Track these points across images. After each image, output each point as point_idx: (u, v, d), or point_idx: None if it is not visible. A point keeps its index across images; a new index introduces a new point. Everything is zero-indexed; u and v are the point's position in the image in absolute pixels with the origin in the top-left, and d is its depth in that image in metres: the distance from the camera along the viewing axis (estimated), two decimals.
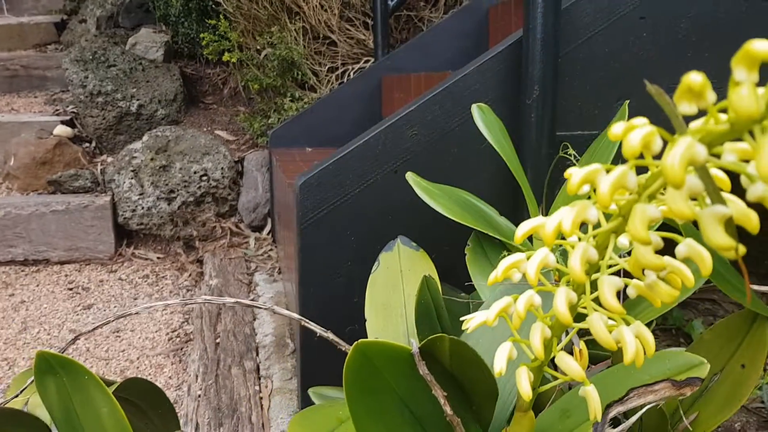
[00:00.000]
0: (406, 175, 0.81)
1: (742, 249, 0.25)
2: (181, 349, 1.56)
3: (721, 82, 0.91)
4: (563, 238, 0.36)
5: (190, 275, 1.91)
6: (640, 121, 0.27)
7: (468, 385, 0.54)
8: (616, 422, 0.55)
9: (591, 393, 0.45)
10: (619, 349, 0.39)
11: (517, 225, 0.85)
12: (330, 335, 0.67)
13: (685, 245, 0.32)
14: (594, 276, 0.35)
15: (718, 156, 0.24)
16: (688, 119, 0.25)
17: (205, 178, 1.97)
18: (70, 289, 1.84)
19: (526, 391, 0.42)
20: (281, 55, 1.81)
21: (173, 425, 0.70)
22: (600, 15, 0.90)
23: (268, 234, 1.98)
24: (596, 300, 0.36)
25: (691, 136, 0.23)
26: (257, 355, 1.20)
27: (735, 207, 0.27)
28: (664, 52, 0.91)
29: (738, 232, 0.26)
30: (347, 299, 0.91)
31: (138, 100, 2.13)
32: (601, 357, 0.74)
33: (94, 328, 0.57)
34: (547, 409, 0.57)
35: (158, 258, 1.99)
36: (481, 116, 0.81)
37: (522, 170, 0.82)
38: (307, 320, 0.64)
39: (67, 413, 0.50)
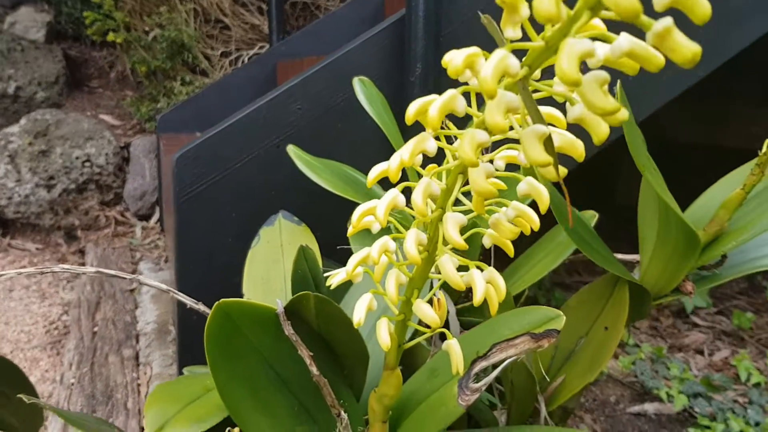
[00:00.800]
0: (287, 148, 0.80)
1: (563, 170, 0.26)
2: (59, 341, 1.47)
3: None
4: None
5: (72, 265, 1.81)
6: (467, 51, 0.27)
7: (338, 347, 0.54)
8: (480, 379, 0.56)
9: (453, 346, 0.45)
10: (488, 311, 0.40)
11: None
12: (201, 306, 0.64)
13: (526, 183, 0.33)
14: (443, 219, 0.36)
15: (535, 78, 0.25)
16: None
17: (88, 164, 1.87)
18: None
19: (385, 341, 0.42)
20: (170, 36, 1.75)
21: (37, 411, 0.66)
22: None
23: (156, 223, 1.90)
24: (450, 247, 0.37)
25: (506, 49, 0.23)
26: (137, 342, 1.15)
27: (562, 137, 0.28)
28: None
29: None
30: (227, 278, 0.89)
31: (16, 81, 2.00)
32: (476, 323, 0.76)
33: None
34: (418, 371, 0.57)
35: (37, 249, 1.88)
36: (363, 90, 0.81)
37: (403, 142, 0.82)
38: (175, 291, 0.62)
39: None
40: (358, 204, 0.84)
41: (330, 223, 0.86)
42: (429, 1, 0.85)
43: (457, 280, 0.35)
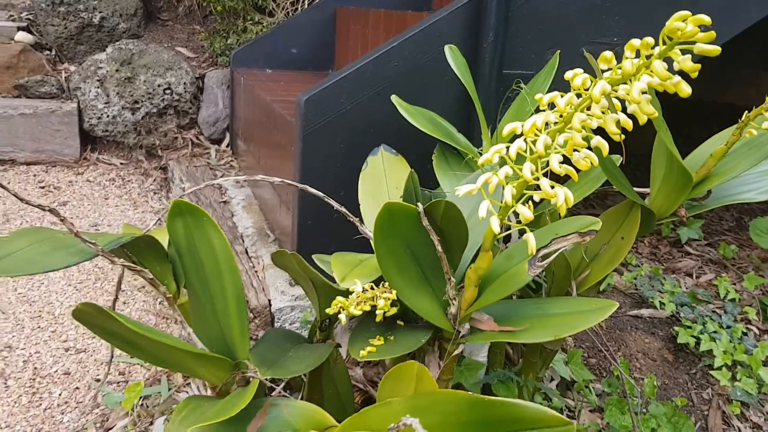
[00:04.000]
0: (391, 97, 1.07)
1: (621, 136, 0.54)
2: None
3: (623, 38, 1.21)
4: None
5: (155, 180, 2.10)
6: (579, 71, 0.54)
7: (450, 238, 0.82)
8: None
9: (530, 237, 0.73)
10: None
11: (471, 139, 1.13)
12: (336, 204, 0.93)
13: (596, 139, 0.61)
14: (544, 159, 0.63)
15: (616, 90, 0.52)
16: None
17: (168, 91, 2.13)
18: (42, 188, 1.99)
19: (496, 228, 0.70)
20: None
21: None
22: None
23: (227, 146, 2.18)
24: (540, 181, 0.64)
25: (603, 80, 0.50)
26: (243, 242, 1.45)
27: (622, 117, 0.55)
28: (582, 14, 1.19)
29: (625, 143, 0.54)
30: (336, 192, 1.16)
31: (100, 12, 2.23)
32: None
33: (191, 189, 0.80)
34: (497, 256, 0.86)
35: (121, 164, 2.16)
36: (452, 55, 1.07)
37: (477, 97, 1.09)
38: (312, 189, 0.90)
39: (189, 243, 0.75)
40: (440, 141, 1.12)
41: (412, 157, 1.13)
42: None
43: (550, 193, 0.63)
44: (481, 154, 1.13)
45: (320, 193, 0.91)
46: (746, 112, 0.89)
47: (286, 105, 1.43)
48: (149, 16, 2.42)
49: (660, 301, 1.46)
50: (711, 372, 1.29)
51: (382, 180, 1.08)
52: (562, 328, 0.77)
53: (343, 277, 0.79)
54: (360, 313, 0.76)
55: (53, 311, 1.38)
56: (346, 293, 0.78)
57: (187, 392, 1.15)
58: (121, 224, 1.84)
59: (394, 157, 1.09)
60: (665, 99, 0.95)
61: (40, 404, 1.13)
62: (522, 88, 1.03)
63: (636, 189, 1.02)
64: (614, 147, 0.95)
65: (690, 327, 1.37)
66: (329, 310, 0.77)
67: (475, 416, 0.60)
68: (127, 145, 2.16)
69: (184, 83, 2.14)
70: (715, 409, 1.24)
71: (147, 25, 2.38)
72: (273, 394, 0.88)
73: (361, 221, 0.96)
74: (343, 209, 0.93)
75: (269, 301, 1.18)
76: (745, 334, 1.38)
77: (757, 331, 1.43)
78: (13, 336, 1.30)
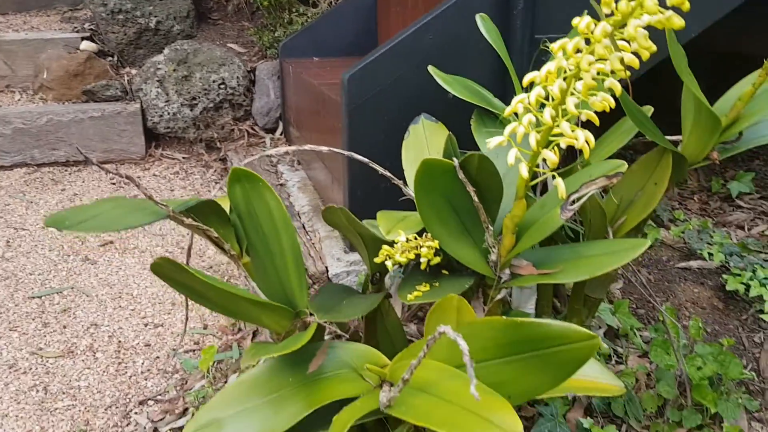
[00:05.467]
0: (428, 67, 1.13)
1: (628, 73, 0.59)
2: None
3: None
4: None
5: (215, 171, 2.22)
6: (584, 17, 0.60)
7: (486, 190, 0.88)
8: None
9: (559, 182, 0.78)
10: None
11: (506, 103, 1.18)
12: (380, 169, 1.00)
13: (609, 81, 0.66)
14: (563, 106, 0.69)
15: (621, 33, 0.58)
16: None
17: (222, 86, 2.24)
18: (113, 184, 2.13)
19: (525, 174, 0.76)
20: None
21: None
22: None
23: (280, 135, 2.28)
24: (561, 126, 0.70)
25: (605, 21, 0.56)
26: (300, 218, 1.54)
27: (629, 58, 0.61)
28: None
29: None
30: (382, 163, 1.24)
31: (156, 17, 2.37)
32: None
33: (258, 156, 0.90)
34: (531, 206, 0.91)
35: (184, 158, 2.29)
36: (483, 24, 1.13)
37: (511, 63, 1.14)
38: (356, 155, 0.97)
39: (248, 206, 0.83)
40: (479, 107, 1.17)
41: (449, 124, 1.18)
42: None
43: (571, 135, 0.69)
44: (517, 117, 1.19)
45: (365, 159, 0.99)
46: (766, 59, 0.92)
47: (333, 87, 1.51)
48: (201, 17, 2.54)
49: (709, 252, 1.48)
50: (762, 316, 1.31)
51: (424, 146, 1.15)
52: (596, 267, 0.82)
53: (389, 230, 0.87)
54: (405, 260, 0.83)
55: (131, 292, 1.51)
56: (392, 245, 0.86)
57: None
58: None
59: (435, 124, 1.16)
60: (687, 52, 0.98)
61: (126, 372, 1.25)
62: (546, 46, 1.08)
63: (670, 137, 1.06)
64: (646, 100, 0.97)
65: (739, 275, 1.39)
66: (377, 259, 0.84)
67: (510, 338, 0.67)
68: (188, 139, 2.29)
69: (237, 77, 2.25)
70: (767, 352, 1.26)
71: (199, 25, 2.51)
72: (331, 339, 0.96)
73: (405, 184, 1.04)
74: (387, 172, 1.01)
75: (326, 267, 1.27)
76: None
77: None
78: (98, 315, 1.43)
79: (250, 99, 2.31)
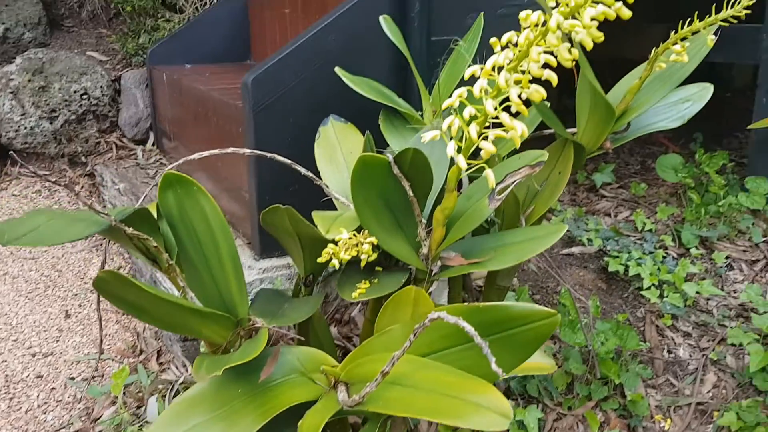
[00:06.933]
0: (335, 69, 1.14)
1: (573, 62, 0.63)
2: (102, 243, 1.76)
3: None
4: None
5: (82, 187, 2.07)
6: (530, 11, 0.63)
7: (417, 184, 0.90)
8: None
9: (489, 173, 0.82)
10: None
11: (410, 102, 1.22)
12: (303, 170, 0.99)
13: (547, 72, 0.70)
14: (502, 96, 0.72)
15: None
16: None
17: (85, 96, 2.10)
18: None
19: (463, 165, 0.79)
20: None
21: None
22: None
23: (152, 146, 2.17)
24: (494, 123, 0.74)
25: (557, 13, 0.59)
26: None
27: (573, 51, 0.65)
28: None
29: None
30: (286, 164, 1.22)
31: (3, 24, 2.17)
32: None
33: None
34: (459, 197, 0.94)
35: (45, 175, 2.11)
36: (387, 25, 1.15)
37: (414, 63, 1.17)
38: (278, 156, 0.96)
39: (182, 213, 0.79)
40: (386, 106, 1.19)
41: (356, 123, 1.19)
42: None
43: (510, 125, 0.72)
44: (421, 116, 1.22)
45: (287, 160, 0.97)
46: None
47: (224, 91, 1.46)
48: (53, 24, 2.36)
49: (588, 238, 1.61)
50: (641, 293, 1.44)
51: (336, 147, 1.15)
52: (522, 253, 0.87)
53: (327, 229, 0.86)
54: (349, 257, 0.83)
55: (10, 321, 1.37)
56: (332, 243, 0.85)
57: (169, 373, 1.19)
58: None
59: (344, 124, 1.16)
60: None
61: (20, 408, 1.14)
62: (458, 46, 1.12)
63: (569, 130, 1.14)
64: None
65: (617, 256, 1.51)
66: (321, 259, 0.83)
67: (474, 321, 0.68)
68: (49, 155, 2.11)
69: (101, 87, 2.11)
70: (650, 324, 1.39)
71: (52, 32, 2.33)
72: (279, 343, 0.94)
73: (327, 186, 1.03)
74: (310, 174, 1.00)
75: None
76: (665, 257, 1.54)
77: (675, 255, 1.59)
78: None
79: (116, 109, 2.18)
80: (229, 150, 0.91)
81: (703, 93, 1.10)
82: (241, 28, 2.16)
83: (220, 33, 2.14)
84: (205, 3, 2.27)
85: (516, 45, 0.69)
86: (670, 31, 1.01)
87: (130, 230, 0.69)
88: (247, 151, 0.93)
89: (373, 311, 1.00)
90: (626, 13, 0.58)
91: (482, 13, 1.15)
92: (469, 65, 1.08)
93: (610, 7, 0.58)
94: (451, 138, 0.78)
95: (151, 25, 2.16)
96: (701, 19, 0.97)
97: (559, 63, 0.64)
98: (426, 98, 1.18)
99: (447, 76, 1.15)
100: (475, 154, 0.79)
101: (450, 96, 0.73)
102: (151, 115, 2.17)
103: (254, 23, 2.11)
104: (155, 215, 0.80)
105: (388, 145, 1.15)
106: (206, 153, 0.88)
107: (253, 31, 2.12)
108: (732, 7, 0.94)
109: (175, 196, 0.79)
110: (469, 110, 0.75)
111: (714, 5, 0.97)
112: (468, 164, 0.80)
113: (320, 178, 1.08)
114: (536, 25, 0.63)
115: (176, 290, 0.86)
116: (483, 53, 1.14)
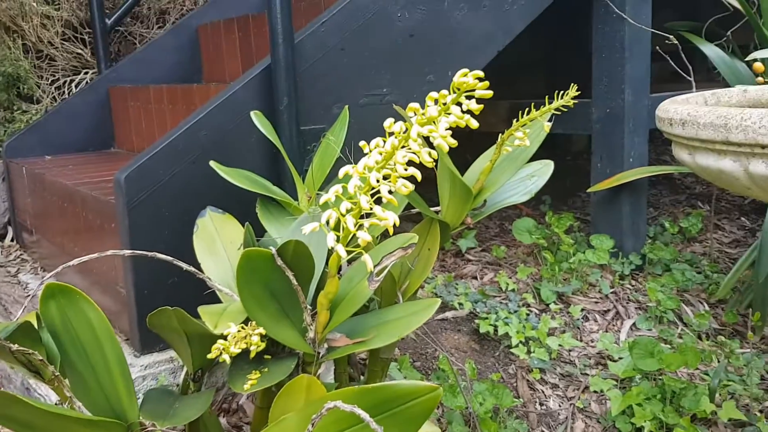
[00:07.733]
0: (210, 163, 1.17)
1: (433, 163, 0.72)
2: None
3: (390, 89, 1.43)
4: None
5: None
6: (392, 120, 0.72)
7: (300, 273, 0.95)
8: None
9: (367, 258, 0.88)
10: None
11: (284, 190, 1.27)
12: (185, 265, 1.01)
13: (411, 170, 0.78)
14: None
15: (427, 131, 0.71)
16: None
17: None
18: None
19: (343, 253, 0.85)
20: (8, 72, 1.92)
21: None
22: (317, 48, 1.36)
23: (11, 241, 2.06)
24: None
25: (416, 124, 0.68)
26: None
27: (431, 155, 0.74)
28: (358, 72, 1.41)
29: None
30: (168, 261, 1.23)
31: None
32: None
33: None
34: (340, 280, 1.00)
35: None
36: (258, 120, 1.21)
37: (285, 152, 1.24)
38: (162, 255, 0.98)
39: (65, 322, 0.78)
40: (262, 195, 1.24)
41: (235, 213, 1.23)
42: (287, 52, 1.27)
43: (383, 216, 0.79)
44: (297, 201, 1.28)
45: (168, 258, 0.99)
46: (500, 134, 1.15)
47: (92, 186, 1.45)
48: None
49: (459, 303, 1.71)
50: (511, 350, 1.56)
51: (216, 238, 1.17)
52: (403, 329, 0.93)
53: (215, 324, 0.88)
54: (239, 350, 0.85)
55: None
56: (220, 339, 0.87)
57: None
58: None
59: (222, 215, 1.19)
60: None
61: None
62: (329, 139, 1.20)
63: (433, 209, 1.24)
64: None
65: (486, 318, 1.63)
66: (211, 355, 0.85)
67: (365, 404, 0.73)
68: None
69: None
70: (521, 379, 1.49)
71: None
72: None
73: (209, 279, 1.05)
74: (192, 268, 1.02)
75: None
76: (528, 314, 1.67)
77: (537, 311, 1.73)
78: None
79: None
80: (109, 252, 0.92)
81: (545, 169, 1.26)
82: (102, 117, 2.14)
83: (81, 122, 2.10)
84: (63, 93, 2.23)
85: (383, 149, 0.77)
86: (512, 107, 1.15)
87: (15, 347, 0.68)
88: (128, 252, 0.94)
89: (263, 398, 1.02)
90: (474, 124, 0.68)
91: (347, 106, 1.24)
92: (338, 157, 1.17)
93: (461, 119, 0.67)
94: (331, 229, 0.84)
95: (6, 117, 2.09)
96: (537, 98, 1.11)
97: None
98: (300, 185, 1.25)
99: (319, 163, 1.22)
100: (354, 239, 0.85)
101: (324, 183, 0.79)
102: (9, 209, 2.07)
103: (117, 112, 2.10)
104: (36, 325, 0.79)
105: (266, 231, 1.20)
106: (85, 258, 0.88)
107: (117, 119, 2.11)
108: (562, 98, 1.09)
109: (58, 306, 0.78)
110: (345, 205, 0.82)
111: (547, 92, 1.12)
112: (347, 251, 0.87)
113: (201, 271, 1.10)
114: (401, 132, 0.72)
115: (54, 398, 0.84)
116: (351, 142, 1.23)
